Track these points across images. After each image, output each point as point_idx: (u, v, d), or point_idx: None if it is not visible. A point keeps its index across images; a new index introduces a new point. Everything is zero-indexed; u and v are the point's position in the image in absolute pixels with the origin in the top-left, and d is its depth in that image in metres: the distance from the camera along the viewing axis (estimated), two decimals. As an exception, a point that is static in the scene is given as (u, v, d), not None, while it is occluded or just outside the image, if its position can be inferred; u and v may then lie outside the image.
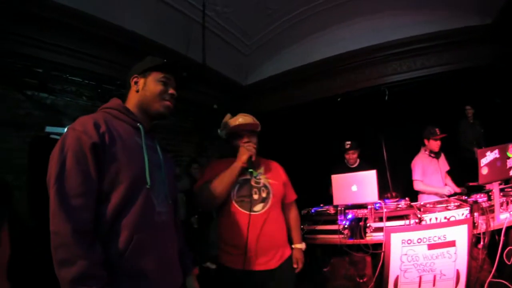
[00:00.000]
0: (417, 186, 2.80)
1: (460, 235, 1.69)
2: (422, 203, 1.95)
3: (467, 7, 3.58)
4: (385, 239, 1.76)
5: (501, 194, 1.96)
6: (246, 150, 1.44)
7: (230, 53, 4.17)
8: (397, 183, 3.51)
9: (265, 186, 1.49)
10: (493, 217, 1.80)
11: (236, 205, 1.41)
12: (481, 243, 1.74)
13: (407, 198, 2.12)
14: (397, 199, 2.18)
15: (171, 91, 1.06)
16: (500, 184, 2.03)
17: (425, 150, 2.87)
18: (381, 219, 1.88)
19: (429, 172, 2.79)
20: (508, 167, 1.95)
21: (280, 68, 4.40)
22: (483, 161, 1.89)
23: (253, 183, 1.45)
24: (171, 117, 1.39)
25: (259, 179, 1.49)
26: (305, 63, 4.17)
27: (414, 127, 2.98)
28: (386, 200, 2.13)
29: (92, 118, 0.89)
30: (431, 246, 1.69)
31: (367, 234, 1.89)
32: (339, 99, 4.00)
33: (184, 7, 3.33)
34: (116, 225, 0.84)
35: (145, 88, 1.04)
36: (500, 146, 1.93)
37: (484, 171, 1.88)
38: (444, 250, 1.68)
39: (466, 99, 3.81)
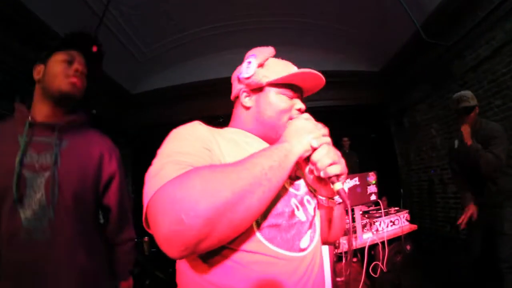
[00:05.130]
0: None
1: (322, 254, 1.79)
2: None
3: (360, 55, 4.23)
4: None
5: (366, 216, 2.20)
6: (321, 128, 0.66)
7: (123, 56, 3.87)
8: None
9: (309, 197, 0.72)
10: (355, 237, 2.02)
11: (261, 237, 0.56)
12: (343, 261, 1.93)
13: None
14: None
15: (75, 66, 0.94)
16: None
17: None
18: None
19: None
20: (368, 193, 2.22)
21: (173, 82, 4.33)
22: (342, 187, 2.10)
23: (291, 189, 0.68)
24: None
25: (298, 184, 0.71)
26: (196, 80, 4.24)
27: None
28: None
29: None
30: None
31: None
32: (221, 119, 3.94)
33: (88, -4, 2.90)
34: None
35: (46, 72, 0.93)
36: (360, 174, 2.17)
37: (344, 196, 2.11)
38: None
39: (344, 132, 4.37)
